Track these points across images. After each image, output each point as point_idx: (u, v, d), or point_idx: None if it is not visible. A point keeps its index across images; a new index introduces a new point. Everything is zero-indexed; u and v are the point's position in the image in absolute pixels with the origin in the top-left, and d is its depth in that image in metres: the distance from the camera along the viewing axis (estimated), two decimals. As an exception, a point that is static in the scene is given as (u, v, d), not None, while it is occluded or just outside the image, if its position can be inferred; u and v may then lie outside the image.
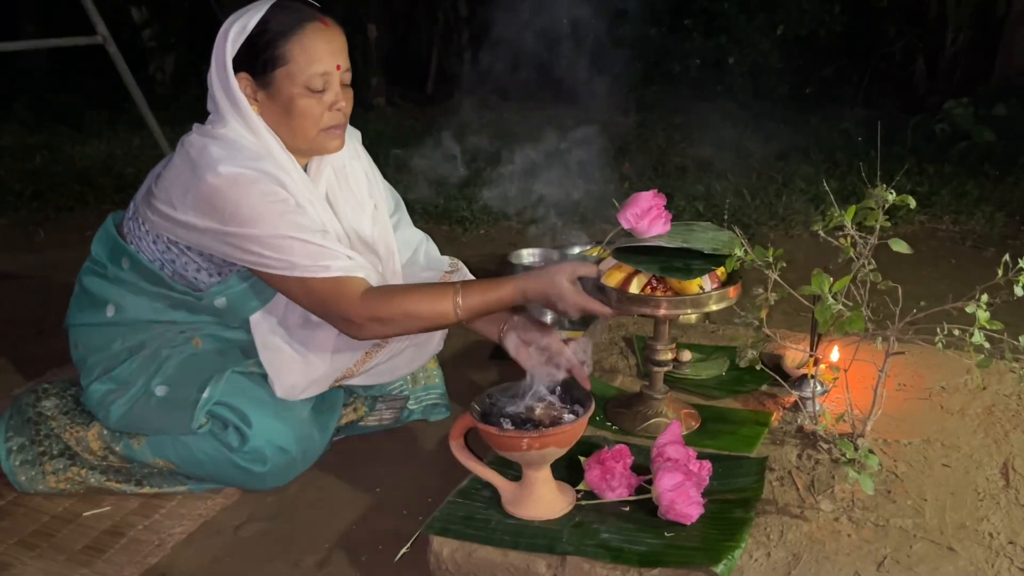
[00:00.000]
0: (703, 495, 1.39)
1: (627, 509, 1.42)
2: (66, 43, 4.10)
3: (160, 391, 1.71)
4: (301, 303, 1.65)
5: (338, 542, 1.63)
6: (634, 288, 1.58)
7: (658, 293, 1.58)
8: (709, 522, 1.36)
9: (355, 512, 1.72)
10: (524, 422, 1.43)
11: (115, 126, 5.55)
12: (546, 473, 1.43)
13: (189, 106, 6.15)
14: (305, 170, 1.75)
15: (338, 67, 1.65)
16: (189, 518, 1.70)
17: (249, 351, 1.79)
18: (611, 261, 1.62)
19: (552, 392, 1.50)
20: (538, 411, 1.45)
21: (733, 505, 1.41)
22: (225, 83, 1.63)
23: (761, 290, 1.52)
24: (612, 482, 1.41)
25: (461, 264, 2.01)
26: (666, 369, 1.72)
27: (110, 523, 1.69)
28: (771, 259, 1.48)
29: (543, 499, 1.42)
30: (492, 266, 3.15)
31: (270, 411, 1.72)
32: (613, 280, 1.60)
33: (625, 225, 1.62)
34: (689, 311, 1.59)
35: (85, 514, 1.71)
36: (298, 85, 1.61)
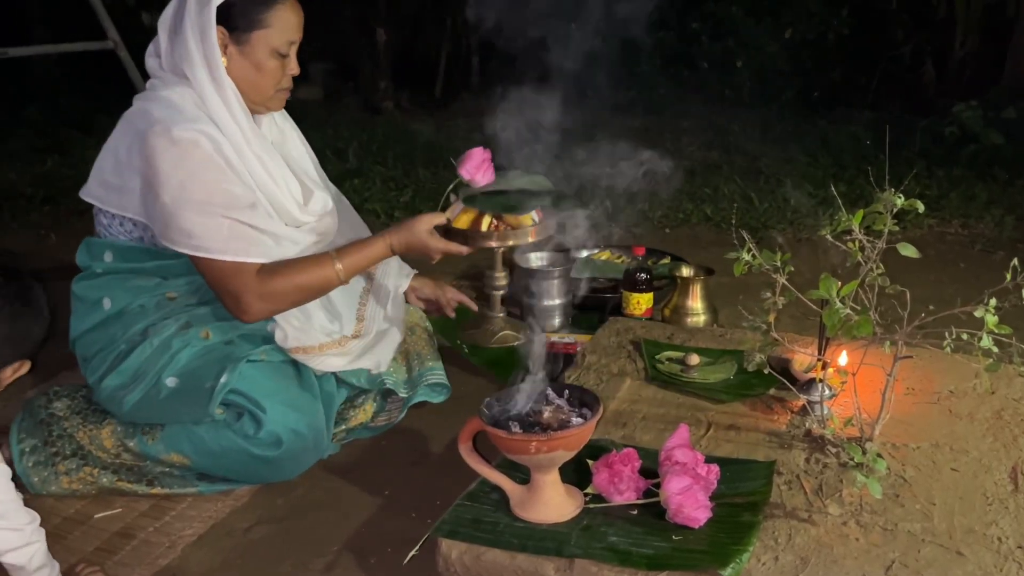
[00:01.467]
0: (711, 499, 1.39)
1: (635, 512, 1.42)
2: (77, 48, 4.14)
3: (171, 382, 1.74)
4: (200, 271, 1.76)
5: (347, 544, 1.64)
6: (484, 227, 1.98)
7: (500, 230, 1.99)
8: (717, 526, 1.37)
9: (364, 514, 1.73)
10: (533, 425, 1.44)
11: (125, 130, 5.58)
12: (554, 476, 1.44)
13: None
14: None
15: (299, 38, 1.85)
16: (199, 520, 1.71)
17: (255, 339, 1.85)
18: (460, 206, 1.99)
19: (560, 395, 1.50)
20: (546, 414, 1.46)
21: (741, 509, 1.41)
22: (208, 33, 1.74)
23: (769, 294, 1.53)
24: (620, 485, 1.42)
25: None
26: (502, 293, 2.25)
27: (121, 525, 1.70)
28: (779, 263, 1.48)
29: (551, 502, 1.43)
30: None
31: (283, 398, 1.77)
32: (463, 222, 1.98)
33: (465, 176, 2.00)
34: (511, 242, 2.01)
35: (97, 516, 1.73)
36: (270, 48, 1.79)
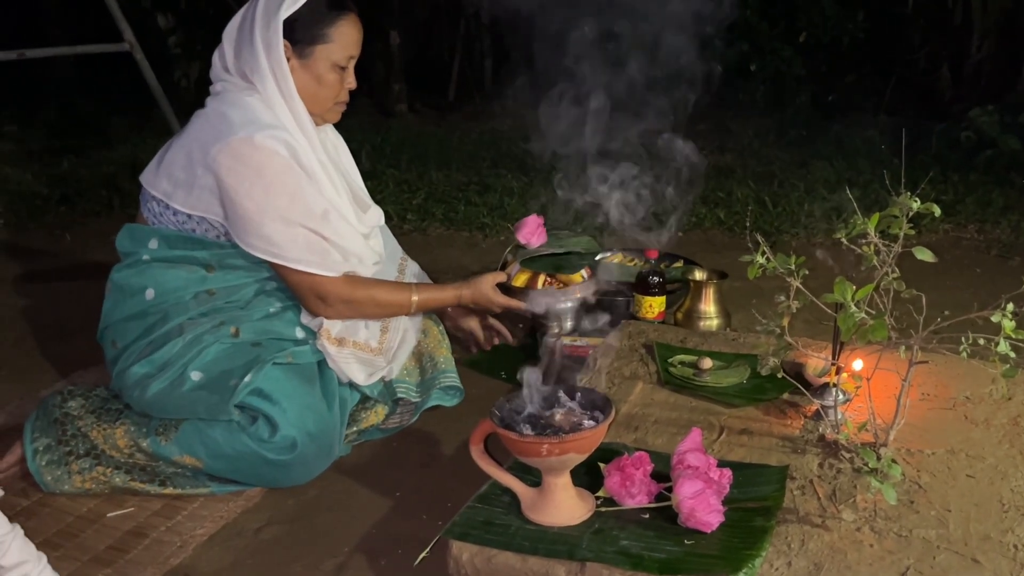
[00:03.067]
0: (723, 503, 1.38)
1: (647, 516, 1.41)
2: (94, 50, 4.17)
3: (195, 376, 1.77)
4: (281, 275, 1.88)
5: (358, 545, 1.64)
6: (539, 285, 2.27)
7: (555, 286, 2.29)
8: (729, 530, 1.36)
9: (375, 515, 1.73)
10: (544, 428, 1.43)
11: (140, 132, 5.60)
12: (566, 479, 1.43)
13: (213, 112, 6.20)
14: None
15: (358, 53, 1.95)
16: (211, 520, 1.71)
17: (285, 338, 1.89)
18: (517, 267, 2.30)
19: (572, 398, 1.50)
20: (558, 417, 1.45)
21: (754, 513, 1.41)
22: (275, 45, 1.82)
23: (783, 298, 1.52)
24: (632, 489, 1.41)
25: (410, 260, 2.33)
26: (556, 341, 2.31)
27: (133, 524, 1.71)
28: (793, 266, 1.48)
29: (563, 505, 1.42)
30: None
31: (301, 401, 1.79)
32: (520, 281, 2.29)
33: (522, 240, 2.30)
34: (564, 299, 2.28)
35: (109, 515, 1.73)
36: (331, 62, 1.89)
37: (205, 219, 1.84)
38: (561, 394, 1.50)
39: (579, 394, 1.51)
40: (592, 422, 1.43)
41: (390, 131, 5.55)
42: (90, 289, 2.09)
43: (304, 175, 1.83)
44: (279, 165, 1.78)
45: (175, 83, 6.96)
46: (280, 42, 1.82)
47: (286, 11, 1.83)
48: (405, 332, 2.09)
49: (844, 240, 1.45)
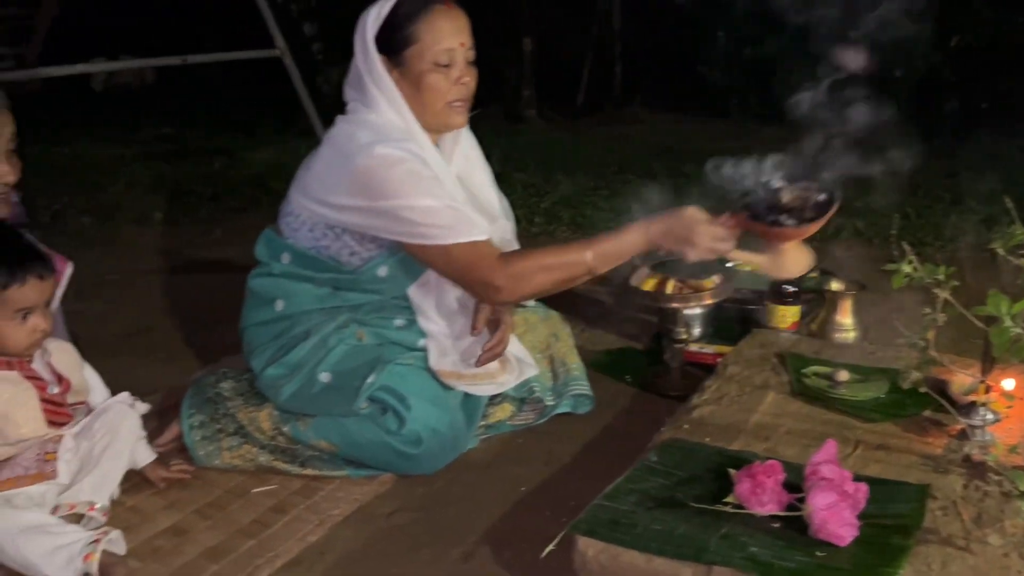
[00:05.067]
0: (858, 518, 1.34)
1: (777, 525, 1.38)
2: (249, 56, 4.43)
3: (324, 377, 1.84)
4: (442, 271, 1.82)
5: (483, 536, 1.68)
6: (668, 289, 2.18)
7: (685, 291, 2.17)
8: (864, 546, 1.31)
9: (500, 509, 1.77)
10: (779, 210, 1.73)
11: (284, 134, 5.91)
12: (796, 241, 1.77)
13: (352, 116, 6.46)
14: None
15: (461, 44, 1.83)
16: (346, 501, 1.79)
17: (407, 346, 1.92)
18: (645, 271, 2.24)
19: (792, 182, 1.76)
20: (787, 197, 1.74)
21: (891, 531, 1.36)
22: (371, 64, 1.82)
23: (928, 310, 1.46)
24: (762, 497, 1.39)
25: None
26: (682, 347, 2.24)
27: (275, 501, 1.81)
28: (942, 277, 1.42)
29: (800, 259, 1.81)
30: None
31: (427, 397, 1.84)
32: (649, 286, 2.22)
33: None
34: (693, 303, 2.20)
35: (254, 491, 1.84)
36: (427, 62, 1.81)
37: (340, 234, 1.86)
38: (772, 180, 1.77)
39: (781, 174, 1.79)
40: (824, 196, 1.76)
41: (519, 136, 5.63)
42: (237, 281, 2.23)
43: (434, 174, 1.81)
44: (408, 167, 1.77)
45: (317, 88, 7.29)
46: (376, 58, 1.81)
47: (373, 27, 1.82)
48: (521, 362, 2.07)
49: (1000, 251, 1.38)
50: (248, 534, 1.69)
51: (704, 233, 1.71)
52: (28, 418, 1.60)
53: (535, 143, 5.47)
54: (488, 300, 1.83)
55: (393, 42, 1.81)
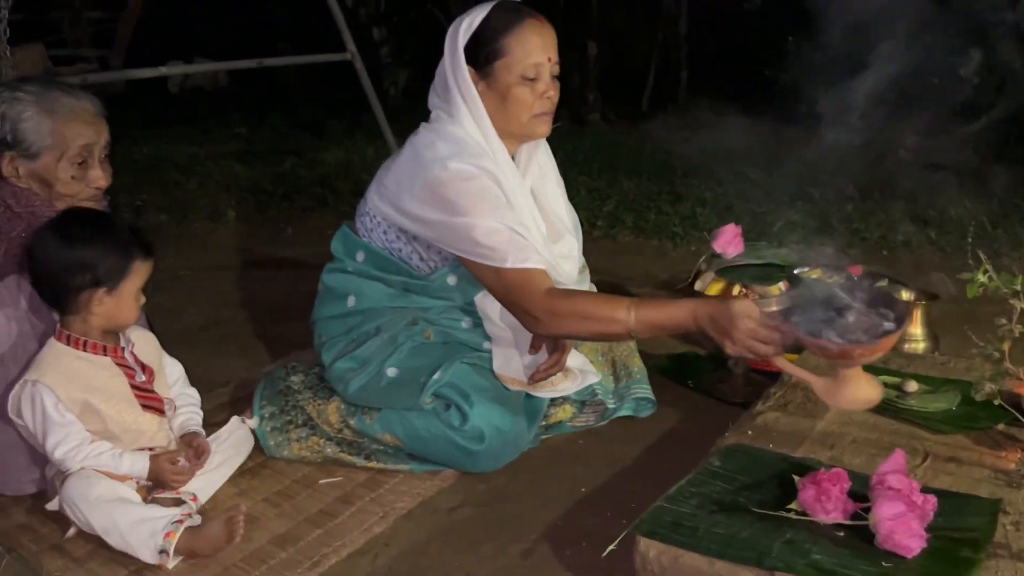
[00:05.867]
0: (926, 530, 1.32)
1: (841, 534, 1.37)
2: (320, 59, 4.53)
3: (391, 372, 1.89)
4: (491, 289, 1.85)
5: (544, 534, 1.70)
6: (734, 295, 2.15)
7: (751, 297, 2.08)
8: (932, 558, 1.30)
9: (560, 508, 1.78)
10: (843, 332, 1.54)
11: (352, 136, 6.02)
12: (859, 369, 1.56)
13: (418, 119, 6.54)
14: (513, 159, 1.95)
15: (548, 59, 1.85)
16: (409, 495, 1.83)
17: (472, 347, 1.96)
18: (711, 276, 2.24)
19: (852, 295, 1.59)
20: (851, 319, 1.55)
21: (960, 544, 1.33)
22: (459, 74, 1.85)
23: (1004, 320, 1.43)
24: (827, 504, 1.38)
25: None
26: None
27: (341, 492, 1.86)
28: (1018, 287, 1.39)
29: (860, 390, 1.56)
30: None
31: (490, 395, 1.87)
32: (714, 291, 2.21)
33: (718, 250, 2.26)
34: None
35: (321, 481, 1.89)
36: (514, 75, 1.83)
37: (411, 239, 1.92)
38: (839, 292, 1.59)
39: (859, 292, 1.59)
40: (891, 324, 1.52)
41: (583, 139, 5.63)
42: (306, 278, 2.29)
43: (504, 196, 1.85)
44: (479, 184, 1.80)
45: (384, 90, 7.42)
46: (464, 70, 1.84)
47: (464, 37, 1.85)
48: (583, 371, 2.07)
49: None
50: (315, 523, 1.74)
51: (745, 331, 1.59)
52: (124, 404, 1.71)
53: (599, 146, 5.47)
54: (526, 327, 1.85)
55: (482, 54, 1.84)
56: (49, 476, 1.70)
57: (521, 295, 1.78)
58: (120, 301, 1.69)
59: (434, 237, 1.87)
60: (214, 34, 8.51)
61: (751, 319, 1.59)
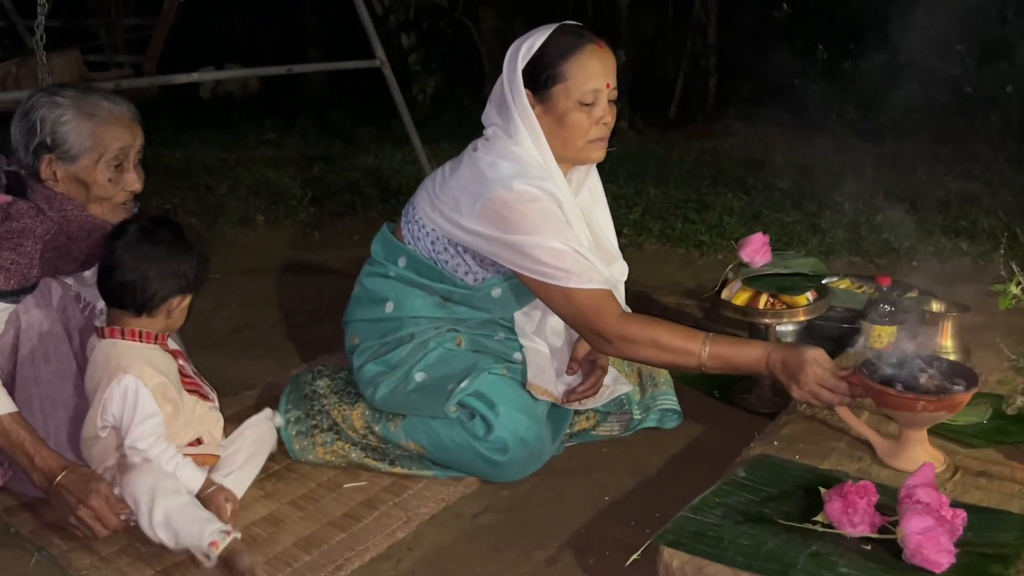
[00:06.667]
0: (955, 545, 1.30)
1: (868, 547, 1.36)
2: (349, 66, 4.57)
3: (419, 377, 1.89)
4: (559, 311, 1.84)
5: (567, 542, 1.69)
6: (760, 305, 2.16)
7: (777, 307, 2.15)
8: (961, 574, 1.28)
9: (585, 516, 1.78)
10: (913, 388, 1.58)
11: (381, 142, 6.07)
12: (924, 432, 1.61)
13: (446, 126, 6.58)
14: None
15: (608, 85, 1.83)
16: (433, 501, 1.84)
17: (502, 356, 1.97)
18: (738, 285, 2.20)
19: (930, 366, 1.63)
20: (923, 379, 1.59)
21: (990, 559, 1.31)
22: (518, 97, 1.83)
23: (1037, 333, 1.41)
24: (854, 517, 1.36)
25: None
26: None
27: (365, 496, 1.86)
28: (1052, 300, 1.37)
29: (921, 455, 1.58)
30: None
31: (516, 406, 1.86)
32: (741, 300, 2.18)
33: (745, 258, 2.21)
34: (786, 320, 2.18)
35: (345, 485, 1.90)
36: (572, 100, 1.82)
37: (462, 252, 1.90)
38: (919, 361, 1.63)
39: (938, 362, 1.64)
40: (960, 387, 1.56)
41: (610, 147, 5.63)
42: (334, 283, 2.31)
43: (565, 218, 1.83)
44: (542, 206, 1.79)
45: (412, 97, 7.47)
46: (522, 92, 1.82)
47: (523, 60, 1.83)
48: (615, 381, 2.08)
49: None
50: (339, 527, 1.75)
51: (813, 377, 1.62)
52: (182, 389, 1.79)
53: (626, 154, 5.46)
54: (594, 347, 1.86)
55: (541, 78, 1.82)
56: (109, 465, 1.74)
57: (593, 316, 1.77)
58: (188, 304, 1.82)
59: (494, 253, 1.84)
60: (246, 41, 8.62)
61: (821, 367, 1.62)
